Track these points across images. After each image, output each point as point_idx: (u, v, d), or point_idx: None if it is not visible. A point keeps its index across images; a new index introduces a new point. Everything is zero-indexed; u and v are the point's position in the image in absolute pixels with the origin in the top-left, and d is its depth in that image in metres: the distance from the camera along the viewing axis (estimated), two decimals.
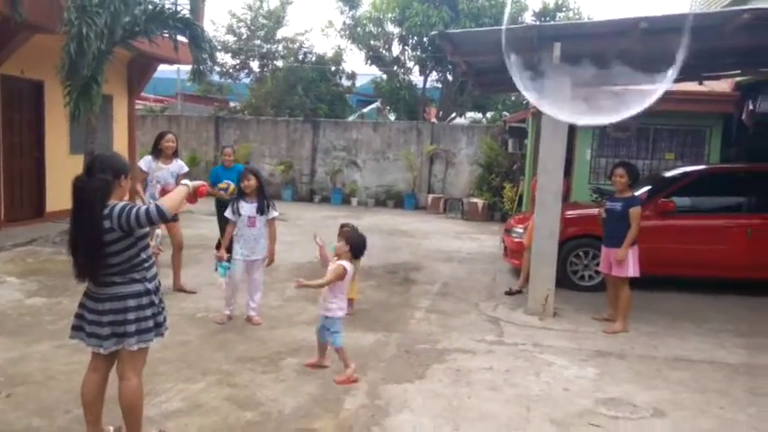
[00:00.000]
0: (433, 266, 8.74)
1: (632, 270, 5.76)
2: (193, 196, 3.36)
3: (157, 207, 3.02)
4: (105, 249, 2.99)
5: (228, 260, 5.62)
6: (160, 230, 4.65)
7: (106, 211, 2.99)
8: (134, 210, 3.00)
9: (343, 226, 5.98)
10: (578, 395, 4.30)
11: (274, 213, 5.60)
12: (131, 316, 3.08)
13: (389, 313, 6.20)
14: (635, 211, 5.73)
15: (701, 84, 10.04)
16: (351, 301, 6.09)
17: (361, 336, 5.40)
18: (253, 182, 5.49)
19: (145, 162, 6.48)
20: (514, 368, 4.76)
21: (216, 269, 5.79)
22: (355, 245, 4.45)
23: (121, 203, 3.06)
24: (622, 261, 5.71)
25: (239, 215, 5.51)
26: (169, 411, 3.75)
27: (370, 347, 5.11)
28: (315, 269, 5.20)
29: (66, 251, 3.12)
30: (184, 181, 3.35)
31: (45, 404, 3.78)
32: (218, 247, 6.33)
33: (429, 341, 5.34)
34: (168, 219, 3.14)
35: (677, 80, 8.82)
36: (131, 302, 3.08)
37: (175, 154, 6.63)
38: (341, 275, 4.31)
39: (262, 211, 5.50)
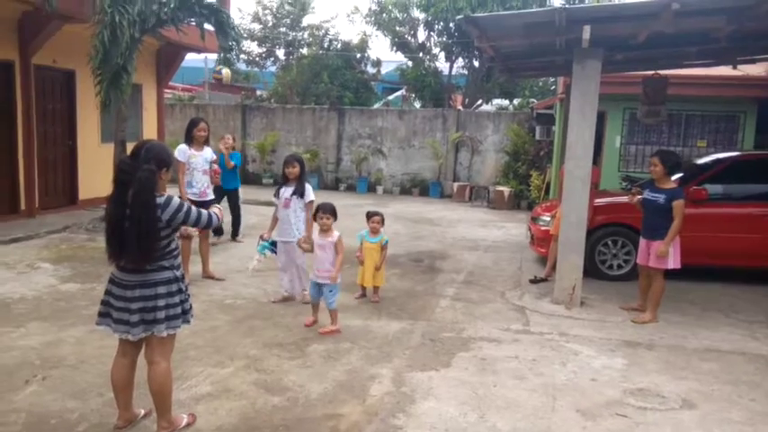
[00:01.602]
0: (459, 255, 8.71)
1: (673, 262, 5.63)
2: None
3: (218, 217, 3.45)
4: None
5: (272, 243, 5.85)
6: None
7: (161, 200, 3.07)
8: (193, 211, 3.21)
9: (371, 214, 6.10)
10: (605, 385, 4.26)
11: (311, 197, 5.73)
12: (161, 303, 3.13)
13: (415, 301, 6.21)
14: (678, 205, 5.54)
15: (735, 68, 9.74)
16: (376, 289, 6.16)
17: (386, 324, 5.43)
18: (297, 169, 5.73)
19: (181, 152, 6.50)
20: (540, 357, 4.74)
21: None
22: (334, 213, 5.32)
23: (176, 200, 3.15)
24: (665, 256, 5.59)
25: (278, 198, 5.81)
26: (199, 395, 3.83)
27: (396, 335, 5.13)
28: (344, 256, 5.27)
29: (105, 233, 3.13)
30: (215, 209, 3.55)
31: (79, 387, 3.89)
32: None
33: (454, 329, 5.35)
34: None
35: (711, 64, 8.64)
36: (161, 289, 3.14)
37: (206, 142, 6.74)
38: (342, 244, 5.22)
39: (301, 194, 5.69)
